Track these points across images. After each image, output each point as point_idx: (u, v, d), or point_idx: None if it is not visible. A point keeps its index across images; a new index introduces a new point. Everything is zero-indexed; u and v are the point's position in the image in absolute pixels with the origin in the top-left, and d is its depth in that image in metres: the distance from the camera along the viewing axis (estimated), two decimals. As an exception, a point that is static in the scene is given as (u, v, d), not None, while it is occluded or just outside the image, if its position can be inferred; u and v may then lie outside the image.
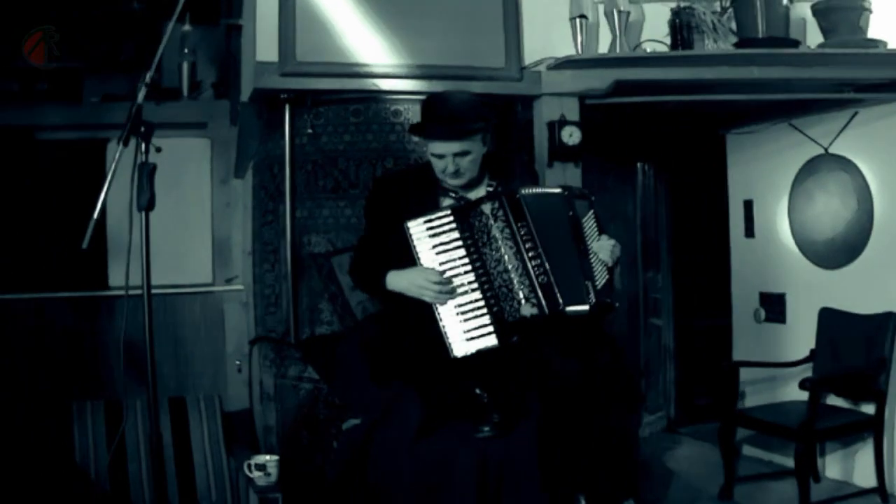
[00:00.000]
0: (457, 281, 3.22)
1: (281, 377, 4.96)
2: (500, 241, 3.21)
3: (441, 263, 3.23)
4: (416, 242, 3.23)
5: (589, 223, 3.43)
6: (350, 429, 3.59)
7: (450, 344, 3.17)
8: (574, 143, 4.66)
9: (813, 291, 5.87)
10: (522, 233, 3.21)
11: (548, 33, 4.81)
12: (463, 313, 3.19)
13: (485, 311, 3.19)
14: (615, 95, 4.80)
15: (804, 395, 5.58)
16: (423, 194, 3.42)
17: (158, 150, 3.09)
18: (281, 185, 4.88)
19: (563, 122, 4.69)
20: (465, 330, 3.17)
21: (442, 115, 3.35)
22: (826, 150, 5.78)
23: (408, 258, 3.24)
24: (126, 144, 3.15)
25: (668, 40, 4.91)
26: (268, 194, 5.05)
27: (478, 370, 3.22)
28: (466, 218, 3.26)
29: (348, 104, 4.71)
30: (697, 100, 4.99)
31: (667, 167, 7.19)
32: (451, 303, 3.21)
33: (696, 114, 5.81)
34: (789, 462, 5.80)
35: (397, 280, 3.30)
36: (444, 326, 3.19)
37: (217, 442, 5.02)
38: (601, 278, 3.36)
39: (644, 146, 6.79)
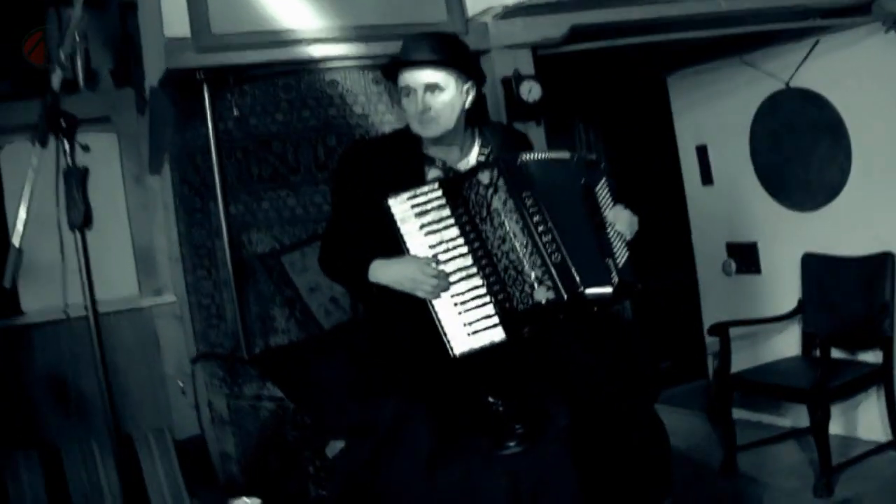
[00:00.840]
0: (452, 266, 2.80)
1: (235, 398, 4.55)
2: (502, 215, 2.79)
3: (431, 247, 2.81)
4: (400, 224, 2.80)
5: (602, 192, 3.01)
6: (344, 456, 3.06)
7: (449, 341, 2.74)
8: (534, 98, 4.29)
9: (789, 237, 5.56)
10: (528, 204, 2.80)
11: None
12: (463, 303, 2.78)
13: (487, 298, 2.78)
14: (570, 43, 4.44)
15: (791, 351, 5.37)
16: (402, 165, 2.96)
17: (86, 148, 2.61)
18: (207, 179, 4.39)
19: (519, 77, 4.31)
20: (465, 322, 2.76)
21: (414, 41, 2.94)
22: (787, 84, 5.44)
23: (392, 243, 2.83)
24: (44, 145, 2.68)
25: None
26: (192, 190, 4.59)
27: (486, 371, 2.84)
28: (459, 191, 2.84)
29: (277, 78, 4.26)
30: (658, 41, 4.65)
31: (607, 122, 6.81)
32: (448, 292, 2.80)
33: (635, 59, 5.46)
34: (782, 422, 5.56)
35: (384, 271, 2.86)
36: (440, 321, 2.77)
37: (175, 482, 4.50)
38: (622, 254, 2.94)
39: (580, 103, 6.43)
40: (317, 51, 4.17)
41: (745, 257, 5.97)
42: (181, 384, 4.94)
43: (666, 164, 6.48)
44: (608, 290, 2.85)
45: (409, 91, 2.91)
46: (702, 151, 6.19)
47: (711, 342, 5.84)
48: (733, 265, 6.04)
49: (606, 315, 3.04)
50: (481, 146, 3.06)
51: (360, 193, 2.95)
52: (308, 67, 4.23)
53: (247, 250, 4.34)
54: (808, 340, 5.36)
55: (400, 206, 2.82)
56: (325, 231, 3.15)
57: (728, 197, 6.10)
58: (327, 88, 4.26)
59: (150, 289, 5.08)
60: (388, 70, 3.03)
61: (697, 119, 6.21)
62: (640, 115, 6.60)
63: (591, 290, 2.81)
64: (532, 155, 2.92)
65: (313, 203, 4.24)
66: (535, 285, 2.76)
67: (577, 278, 2.77)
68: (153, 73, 4.18)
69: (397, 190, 2.84)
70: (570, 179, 2.97)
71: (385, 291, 2.87)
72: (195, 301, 4.76)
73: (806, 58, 5.30)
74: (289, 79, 4.26)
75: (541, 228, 2.78)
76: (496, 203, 2.80)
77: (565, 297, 2.75)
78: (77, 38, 4.51)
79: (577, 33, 4.37)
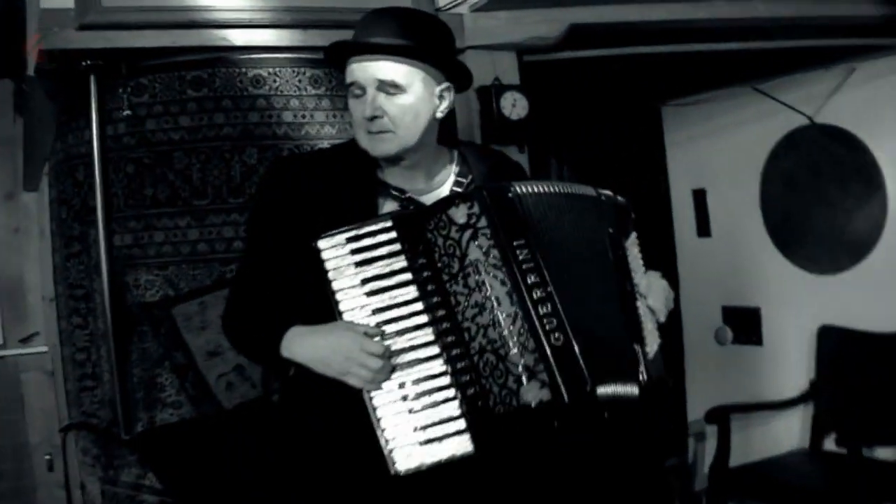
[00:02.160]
0: (403, 342, 2.17)
1: (110, 483, 3.76)
2: (482, 272, 2.16)
3: (375, 311, 2.18)
4: (333, 276, 2.18)
5: (633, 250, 2.46)
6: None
7: (390, 452, 2.14)
8: (519, 115, 3.69)
9: (801, 304, 5.06)
10: (522, 256, 2.15)
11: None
12: (415, 398, 2.15)
13: (452, 393, 2.15)
14: (565, 48, 3.85)
15: (791, 440, 4.97)
16: (345, 193, 2.34)
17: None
18: (89, 199, 3.60)
19: (500, 87, 3.70)
20: (417, 426, 2.14)
21: (373, 17, 2.35)
22: (812, 119, 4.93)
23: (321, 304, 2.21)
24: None
25: None
26: (71, 213, 3.77)
27: (442, 498, 2.23)
28: (421, 232, 2.21)
29: (185, 70, 3.53)
30: (678, 51, 4.06)
31: (586, 155, 6.09)
32: (395, 379, 2.16)
33: (628, 81, 4.97)
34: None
35: (303, 344, 2.25)
36: (379, 422, 2.15)
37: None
38: (653, 340, 2.37)
39: (556, 127, 5.76)
40: (238, 36, 3.48)
41: (744, 325, 5.47)
42: (48, 457, 4.29)
43: (654, 211, 5.85)
44: (632, 389, 2.22)
45: (357, 88, 2.33)
46: (699, 196, 5.72)
47: (695, 422, 5.32)
48: (729, 333, 5.53)
49: (622, 424, 2.31)
50: (458, 174, 2.45)
51: (284, 229, 2.32)
52: (226, 58, 3.54)
53: (132, 295, 3.54)
54: (819, 430, 4.86)
55: (334, 251, 2.18)
56: (234, 278, 2.53)
57: (728, 251, 5.59)
58: (250, 87, 3.56)
59: (16, 335, 4.45)
60: (333, 56, 2.40)
61: (696, 158, 5.68)
62: (626, 150, 5.96)
63: (605, 390, 2.17)
64: (532, 186, 2.25)
65: (222, 238, 3.48)
66: (524, 378, 2.11)
67: (586, 371, 2.12)
68: (29, 58, 3.52)
69: (333, 226, 2.19)
70: (588, 226, 2.35)
71: (305, 373, 2.23)
72: (69, 354, 3.96)
73: (839, 87, 4.82)
74: (200, 71, 3.53)
75: (538, 294, 2.13)
76: (474, 253, 2.16)
77: (566, 398, 2.10)
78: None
79: (576, 35, 3.76)
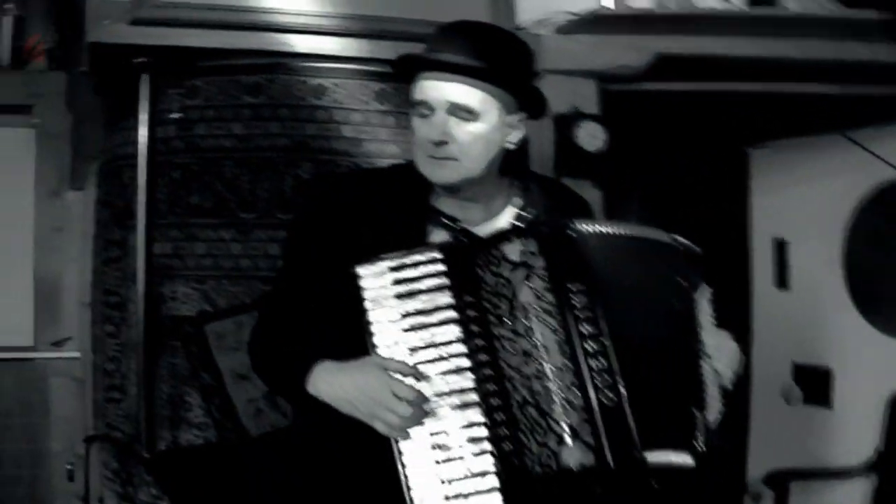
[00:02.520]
0: (440, 385, 2.03)
1: (128, 500, 3.62)
2: (532, 317, 2.02)
3: (412, 350, 2.02)
4: (370, 304, 2.04)
5: (704, 305, 2.27)
6: None
7: (412, 502, 1.99)
8: (597, 148, 3.53)
9: (877, 367, 4.74)
10: (577, 303, 2.00)
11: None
12: (445, 448, 2.00)
13: (486, 446, 1.99)
14: (651, 79, 3.68)
15: None
16: (394, 218, 2.19)
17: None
18: (132, 203, 3.45)
19: (578, 116, 3.54)
20: (444, 479, 1.98)
21: (450, 32, 2.19)
22: None
23: (355, 336, 2.04)
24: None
25: None
26: (114, 215, 3.64)
27: None
28: (471, 266, 2.07)
29: (242, 74, 3.40)
30: (774, 91, 3.90)
31: (665, 194, 5.76)
32: (426, 425, 2.02)
33: (716, 119, 4.63)
34: None
35: (330, 381, 2.09)
36: (405, 468, 2.01)
37: None
38: (715, 406, 2.19)
39: (636, 163, 5.51)
40: (301, 42, 3.36)
41: (814, 384, 5.14)
42: (69, 466, 4.08)
43: (732, 257, 5.56)
44: (686, 459, 2.06)
45: (425, 108, 2.17)
46: (780, 246, 5.39)
47: (754, 482, 5.08)
48: (798, 392, 5.18)
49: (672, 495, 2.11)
50: (519, 208, 2.30)
51: (323, 250, 2.18)
52: (286, 64, 3.41)
53: (166, 307, 3.41)
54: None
55: (374, 279, 2.04)
56: (265, 298, 2.47)
57: (805, 306, 5.29)
58: (310, 96, 3.41)
59: (48, 338, 4.26)
60: (402, 68, 2.25)
61: (781, 206, 5.39)
62: (708, 192, 5.63)
63: (656, 458, 2.01)
64: (596, 226, 2.11)
65: (266, 255, 3.32)
66: (567, 439, 1.96)
67: (637, 436, 1.97)
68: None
69: (376, 252, 2.06)
70: (656, 275, 2.19)
71: (330, 412, 2.08)
72: (99, 363, 3.82)
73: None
74: (258, 77, 3.41)
75: (591, 346, 1.97)
76: (526, 295, 2.02)
77: (611, 463, 1.96)
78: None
79: (663, 66, 3.59)
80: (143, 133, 3.36)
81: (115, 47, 3.21)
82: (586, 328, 1.99)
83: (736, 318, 5.43)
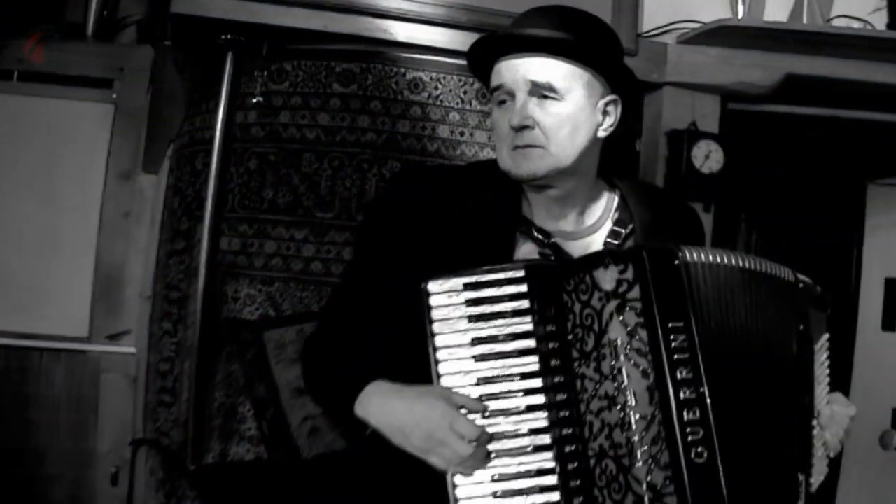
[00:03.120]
0: (508, 424, 1.79)
1: None
2: (621, 358, 1.76)
3: (482, 381, 1.77)
4: (439, 326, 1.79)
5: (821, 356, 2.02)
6: None
7: None
8: (712, 169, 3.29)
9: None
10: (675, 344, 1.75)
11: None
12: (509, 495, 1.76)
13: (556, 497, 1.77)
14: (773, 100, 3.44)
15: None
16: (480, 225, 1.94)
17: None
18: (203, 191, 3.16)
19: (695, 134, 3.29)
20: None
21: (526, 17, 1.97)
22: None
23: (418, 358, 1.80)
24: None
25: (880, 17, 3.46)
26: (183, 204, 3.34)
27: None
28: (556, 291, 1.82)
29: (334, 60, 3.08)
30: None
31: (776, 224, 5.47)
32: (487, 469, 1.78)
33: (835, 148, 4.42)
34: None
35: (383, 409, 1.85)
36: None
37: None
38: (820, 470, 1.99)
39: (751, 188, 5.26)
40: (402, 31, 3.04)
41: None
42: (114, 470, 3.73)
43: (839, 295, 5.14)
44: None
45: (503, 94, 1.97)
46: (892, 287, 5.12)
47: None
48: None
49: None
50: (616, 221, 2.08)
51: (395, 257, 1.95)
52: (384, 53, 3.09)
53: (228, 308, 3.10)
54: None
55: (446, 297, 1.81)
56: (327, 303, 2.32)
57: None
58: (406, 90, 3.07)
59: (105, 330, 3.85)
60: (478, 59, 2.04)
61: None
62: (822, 225, 5.31)
63: None
64: (708, 254, 1.85)
65: (341, 259, 2.99)
66: (647, 501, 1.73)
67: (728, 500, 1.74)
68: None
69: (453, 264, 1.83)
70: (773, 317, 1.92)
71: (379, 440, 1.87)
72: (153, 362, 3.51)
73: None
74: (351, 64, 3.08)
75: (686, 394, 1.74)
76: (616, 331, 1.77)
77: None
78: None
79: (790, 86, 3.33)
80: (220, 116, 3.06)
81: (200, 20, 2.93)
82: (682, 373, 1.74)
83: (838, 359, 5.32)
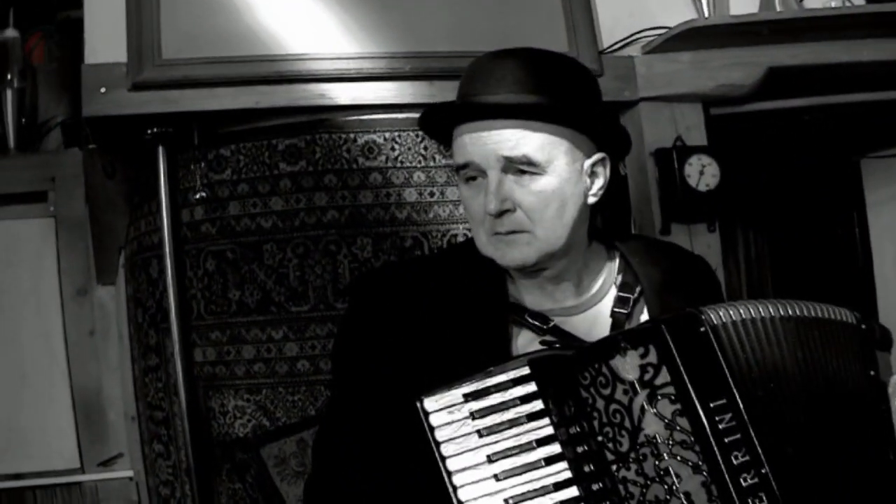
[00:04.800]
0: None
1: None
2: (663, 451, 1.51)
3: (511, 500, 1.49)
4: (447, 448, 1.53)
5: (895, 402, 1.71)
6: None
7: None
8: (708, 186, 3.03)
9: None
10: (724, 424, 1.52)
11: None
12: None
13: None
14: (759, 98, 3.18)
15: None
16: (467, 322, 1.70)
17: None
18: (164, 301, 2.88)
19: (685, 150, 3.03)
20: None
21: (485, 71, 1.66)
22: None
23: (431, 478, 1.54)
24: None
25: None
26: (147, 317, 3.06)
27: None
28: (572, 385, 1.56)
29: (275, 137, 2.80)
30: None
31: (774, 224, 5.35)
32: None
33: (822, 132, 4.19)
34: None
35: None
36: None
37: None
38: None
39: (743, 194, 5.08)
40: (343, 92, 2.76)
41: None
42: None
43: (853, 279, 5.03)
44: None
45: (472, 170, 1.70)
46: None
47: None
48: None
49: None
50: (621, 287, 1.81)
51: (380, 377, 1.72)
52: (328, 120, 2.81)
53: (218, 424, 2.82)
54: None
55: (447, 413, 1.56)
56: (316, 437, 1.91)
57: None
58: (360, 157, 2.79)
59: (96, 457, 3.63)
60: (432, 125, 1.79)
61: None
62: (821, 212, 5.20)
63: None
64: (737, 309, 1.60)
65: (327, 353, 2.71)
66: None
67: None
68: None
69: (448, 375, 1.57)
70: (835, 369, 1.67)
71: None
72: (153, 486, 3.24)
73: None
74: (295, 139, 2.80)
75: (747, 480, 1.51)
76: (652, 424, 1.53)
77: None
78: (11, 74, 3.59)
79: (773, 81, 3.08)
80: (165, 218, 2.78)
81: (117, 119, 2.66)
82: (738, 456, 1.52)
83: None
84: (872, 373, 1.69)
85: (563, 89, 1.62)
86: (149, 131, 2.74)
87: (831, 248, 5.18)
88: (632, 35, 3.00)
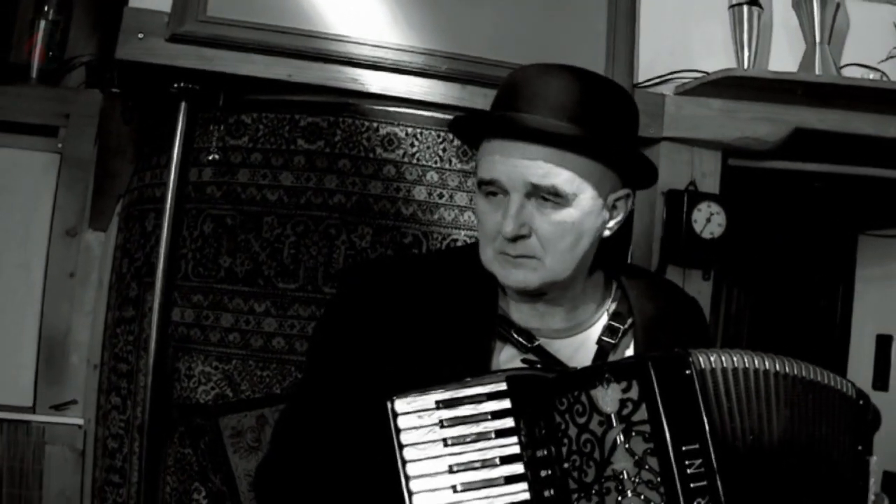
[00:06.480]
0: None
1: None
2: (628, 489, 1.47)
3: None
4: (410, 452, 1.50)
5: (875, 470, 1.70)
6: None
7: None
8: (713, 234, 3.03)
9: None
10: (692, 469, 1.47)
11: (683, 30, 3.12)
12: None
13: None
14: (778, 156, 3.17)
15: None
16: (451, 328, 1.66)
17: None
18: (153, 256, 2.84)
19: (696, 196, 3.04)
20: None
21: (528, 87, 1.60)
22: None
23: (388, 480, 1.50)
24: None
25: (892, 66, 3.14)
26: (132, 268, 3.01)
27: None
28: (547, 408, 1.53)
29: (299, 113, 2.76)
30: None
31: (756, 278, 5.31)
32: None
33: (828, 201, 4.23)
34: None
35: None
36: None
37: None
38: None
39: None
40: (375, 80, 2.72)
41: None
42: None
43: (827, 353, 5.03)
44: None
45: (495, 188, 1.65)
46: (884, 343, 4.93)
47: None
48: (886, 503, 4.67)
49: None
50: (613, 315, 1.77)
51: (353, 368, 1.68)
52: (354, 105, 2.76)
53: (181, 387, 2.76)
54: None
55: (415, 417, 1.53)
56: (278, 420, 1.90)
57: None
58: (378, 147, 2.74)
59: (50, 399, 3.52)
60: (464, 129, 1.76)
61: (889, 299, 4.90)
62: (811, 279, 5.17)
63: None
64: (728, 357, 1.55)
65: (305, 335, 2.66)
66: None
67: None
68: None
69: (424, 378, 1.54)
70: (820, 436, 1.63)
71: None
72: (101, 437, 3.17)
73: None
74: (318, 118, 2.75)
75: None
76: (622, 460, 1.50)
77: None
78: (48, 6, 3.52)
79: (797, 141, 3.07)
80: (173, 173, 2.75)
81: (149, 67, 2.62)
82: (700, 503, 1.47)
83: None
84: (860, 448, 1.66)
85: (605, 121, 1.59)
86: (175, 85, 2.71)
87: (811, 317, 5.15)
88: (668, 73, 3.00)
